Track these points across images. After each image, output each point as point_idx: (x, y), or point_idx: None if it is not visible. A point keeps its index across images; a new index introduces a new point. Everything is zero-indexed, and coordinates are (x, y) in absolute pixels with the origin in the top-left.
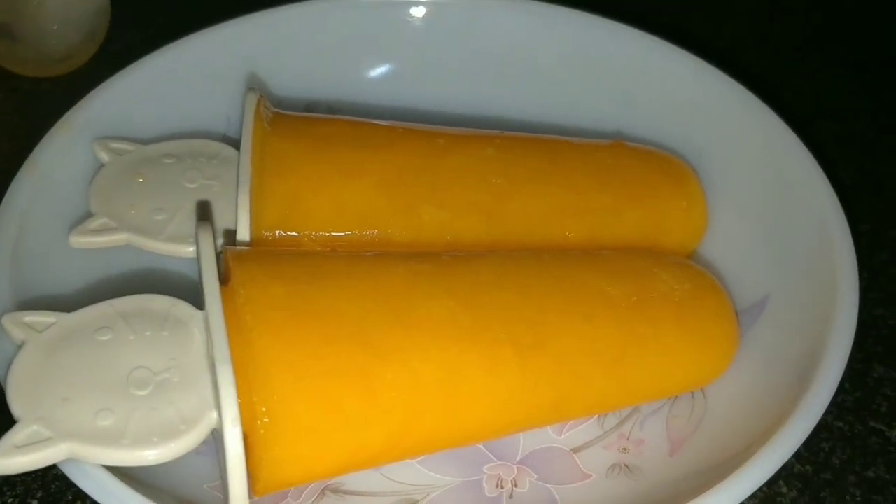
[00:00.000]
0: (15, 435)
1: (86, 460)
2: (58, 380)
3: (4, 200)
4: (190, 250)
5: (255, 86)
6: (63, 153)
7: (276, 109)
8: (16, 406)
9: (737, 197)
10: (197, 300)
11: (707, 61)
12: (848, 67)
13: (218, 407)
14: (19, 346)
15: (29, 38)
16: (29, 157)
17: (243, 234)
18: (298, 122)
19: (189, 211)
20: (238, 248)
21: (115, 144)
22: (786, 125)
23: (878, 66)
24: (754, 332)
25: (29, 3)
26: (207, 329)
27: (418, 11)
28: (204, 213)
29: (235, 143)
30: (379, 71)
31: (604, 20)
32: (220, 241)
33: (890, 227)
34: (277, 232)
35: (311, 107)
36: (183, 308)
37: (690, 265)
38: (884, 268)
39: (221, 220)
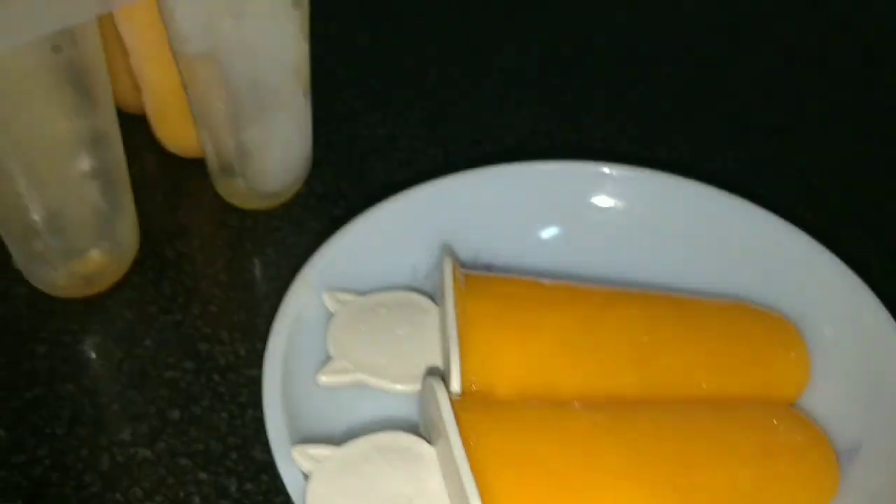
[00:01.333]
0: None
1: None
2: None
3: (269, 347)
4: (401, 388)
5: (446, 248)
6: (304, 304)
7: (465, 270)
8: None
9: (831, 356)
10: (416, 432)
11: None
12: None
13: None
14: (306, 475)
15: (250, 177)
16: (280, 310)
17: (455, 385)
18: (484, 282)
19: (403, 359)
20: (456, 397)
21: (340, 296)
22: (875, 297)
23: None
24: (849, 475)
25: (254, 147)
26: (452, 467)
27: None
28: (434, 371)
29: (422, 292)
30: (545, 235)
31: (724, 194)
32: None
33: None
34: (476, 382)
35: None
36: (421, 445)
37: (801, 417)
38: None
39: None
